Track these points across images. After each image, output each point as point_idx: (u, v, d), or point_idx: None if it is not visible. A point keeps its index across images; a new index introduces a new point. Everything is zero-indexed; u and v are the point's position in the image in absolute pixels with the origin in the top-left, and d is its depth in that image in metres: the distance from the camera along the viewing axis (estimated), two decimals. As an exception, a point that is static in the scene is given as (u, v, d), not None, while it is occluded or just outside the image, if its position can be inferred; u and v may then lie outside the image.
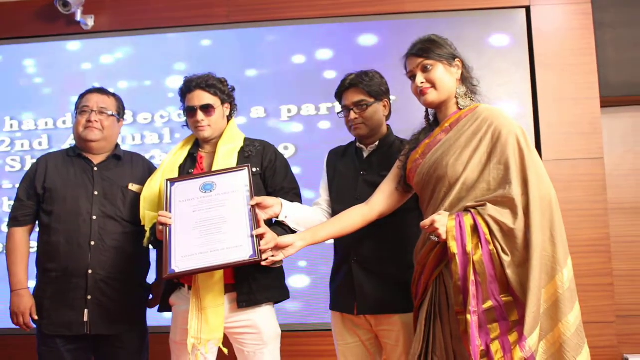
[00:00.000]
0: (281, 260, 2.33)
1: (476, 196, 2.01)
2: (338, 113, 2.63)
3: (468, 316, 1.86)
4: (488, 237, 1.92)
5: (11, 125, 4.22)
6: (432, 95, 2.18)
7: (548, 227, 1.93)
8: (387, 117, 2.63)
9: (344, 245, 2.54)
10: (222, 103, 2.62)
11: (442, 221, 1.96)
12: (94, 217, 2.63)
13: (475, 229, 1.93)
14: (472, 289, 1.88)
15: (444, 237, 1.94)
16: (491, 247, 1.91)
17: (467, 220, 1.94)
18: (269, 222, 2.41)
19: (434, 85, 2.17)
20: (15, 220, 2.71)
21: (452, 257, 1.93)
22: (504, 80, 3.91)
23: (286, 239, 2.25)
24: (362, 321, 2.49)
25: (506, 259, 1.89)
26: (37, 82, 4.24)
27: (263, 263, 2.21)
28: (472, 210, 1.97)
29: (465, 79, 2.22)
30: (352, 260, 2.48)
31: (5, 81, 4.27)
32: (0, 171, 4.19)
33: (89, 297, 2.58)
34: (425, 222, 1.99)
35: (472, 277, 1.89)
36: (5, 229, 4.00)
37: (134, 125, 4.15)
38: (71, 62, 4.24)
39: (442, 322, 2.02)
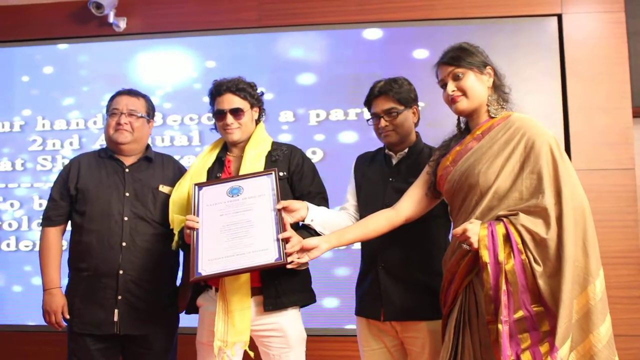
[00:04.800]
0: (306, 263, 2.35)
1: (508, 205, 2.01)
2: (367, 120, 2.64)
3: (499, 326, 1.86)
4: (520, 246, 1.92)
5: (43, 125, 4.30)
6: (463, 104, 2.18)
7: (581, 238, 1.92)
8: (416, 124, 2.64)
9: (370, 251, 2.55)
10: (251, 107, 2.64)
11: (474, 230, 1.96)
12: (125, 218, 2.66)
13: (507, 238, 1.93)
14: (503, 298, 1.87)
15: (475, 245, 1.94)
16: (523, 256, 1.91)
17: (499, 229, 1.94)
18: (296, 226, 2.43)
19: (465, 94, 2.17)
20: (48, 220, 2.76)
21: (483, 266, 1.92)
22: (534, 89, 3.88)
23: (311, 241, 2.26)
24: (387, 327, 2.50)
25: (538, 269, 1.89)
26: (69, 83, 4.32)
27: (288, 266, 2.23)
28: (505, 219, 1.96)
29: (497, 87, 2.22)
30: (379, 266, 2.49)
31: (38, 81, 4.35)
32: (32, 170, 4.27)
33: (119, 297, 2.61)
34: (457, 230, 1.99)
35: (503, 287, 1.88)
36: (35, 225, 4.13)
37: (164, 127, 4.21)
38: (103, 63, 4.30)
39: (472, 331, 2.02)
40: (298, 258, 2.24)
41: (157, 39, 4.28)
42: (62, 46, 4.36)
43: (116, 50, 4.31)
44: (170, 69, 4.25)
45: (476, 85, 2.17)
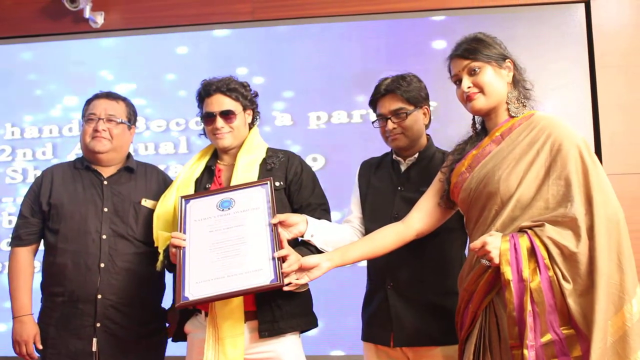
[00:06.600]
0: (306, 284, 2.34)
1: (532, 215, 1.99)
2: (373, 122, 2.63)
3: (525, 351, 1.84)
4: (547, 261, 1.90)
5: (12, 133, 4.30)
6: (481, 101, 2.16)
7: (615, 251, 1.90)
8: (427, 126, 2.63)
9: (379, 269, 2.54)
10: (244, 109, 2.63)
11: (495, 243, 1.94)
12: (104, 237, 2.65)
13: (532, 252, 1.91)
14: (529, 320, 1.86)
15: (496, 260, 1.92)
16: (551, 273, 1.89)
17: (523, 242, 1.92)
18: (294, 242, 2.43)
19: (482, 90, 2.15)
20: (18, 239, 2.74)
21: (506, 284, 1.91)
22: (559, 84, 3.88)
23: (311, 259, 2.24)
24: (398, 354, 2.48)
25: (567, 286, 1.87)
26: (41, 86, 4.33)
27: (286, 288, 2.21)
28: (529, 231, 1.94)
29: (517, 82, 2.21)
30: (388, 286, 2.47)
31: (6, 84, 4.35)
32: (0, 183, 4.27)
33: (98, 325, 2.59)
34: (476, 244, 1.97)
35: (529, 307, 1.87)
36: (4, 246, 4.12)
37: (147, 134, 4.22)
38: (78, 63, 4.31)
39: (493, 356, 1.99)
40: (296, 279, 2.22)
41: (139, 35, 4.29)
42: (34, 45, 4.37)
43: (93, 49, 4.33)
44: (154, 68, 4.27)
45: (494, 81, 2.16)
